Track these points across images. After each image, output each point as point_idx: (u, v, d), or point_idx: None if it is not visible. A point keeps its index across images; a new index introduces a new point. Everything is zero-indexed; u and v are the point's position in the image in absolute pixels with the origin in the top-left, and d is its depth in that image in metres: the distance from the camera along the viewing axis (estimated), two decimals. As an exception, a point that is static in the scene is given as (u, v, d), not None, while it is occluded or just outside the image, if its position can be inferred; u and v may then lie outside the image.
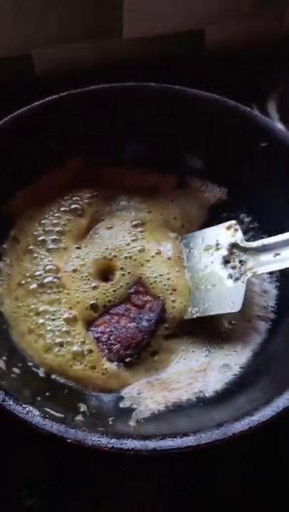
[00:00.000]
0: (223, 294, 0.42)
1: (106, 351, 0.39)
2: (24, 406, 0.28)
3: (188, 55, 0.67)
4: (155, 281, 0.43)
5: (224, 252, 0.43)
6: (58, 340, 0.39)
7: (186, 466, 0.38)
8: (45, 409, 0.30)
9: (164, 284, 0.44)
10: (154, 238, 0.47)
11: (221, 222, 0.49)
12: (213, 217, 0.49)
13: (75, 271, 0.43)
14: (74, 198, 0.48)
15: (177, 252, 0.46)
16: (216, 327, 0.43)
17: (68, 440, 0.28)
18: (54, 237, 0.46)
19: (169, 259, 0.45)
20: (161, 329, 0.41)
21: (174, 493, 0.38)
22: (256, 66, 0.64)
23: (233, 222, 0.45)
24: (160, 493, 0.38)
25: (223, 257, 0.43)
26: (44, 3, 0.55)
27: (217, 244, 0.44)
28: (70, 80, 0.63)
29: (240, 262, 0.42)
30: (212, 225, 0.49)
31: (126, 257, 0.45)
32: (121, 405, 0.37)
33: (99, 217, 0.48)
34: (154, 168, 0.50)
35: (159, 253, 0.45)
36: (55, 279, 0.42)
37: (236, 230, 0.44)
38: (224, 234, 0.45)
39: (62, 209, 0.47)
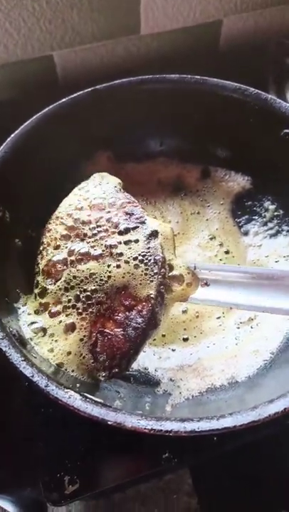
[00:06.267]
0: None
1: (92, 360, 0.35)
2: (66, 391, 0.29)
3: (205, 47, 0.68)
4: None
5: None
6: None
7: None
8: (85, 394, 0.31)
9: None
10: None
11: (246, 211, 0.50)
12: (238, 206, 0.50)
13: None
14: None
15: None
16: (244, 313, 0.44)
17: (109, 422, 0.29)
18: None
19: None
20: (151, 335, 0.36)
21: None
22: (271, 55, 0.63)
23: None
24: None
25: None
26: (64, 6, 0.56)
27: None
28: (91, 77, 0.64)
29: None
30: (237, 214, 0.50)
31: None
32: (156, 391, 0.38)
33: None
34: (177, 160, 0.51)
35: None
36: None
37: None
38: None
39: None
